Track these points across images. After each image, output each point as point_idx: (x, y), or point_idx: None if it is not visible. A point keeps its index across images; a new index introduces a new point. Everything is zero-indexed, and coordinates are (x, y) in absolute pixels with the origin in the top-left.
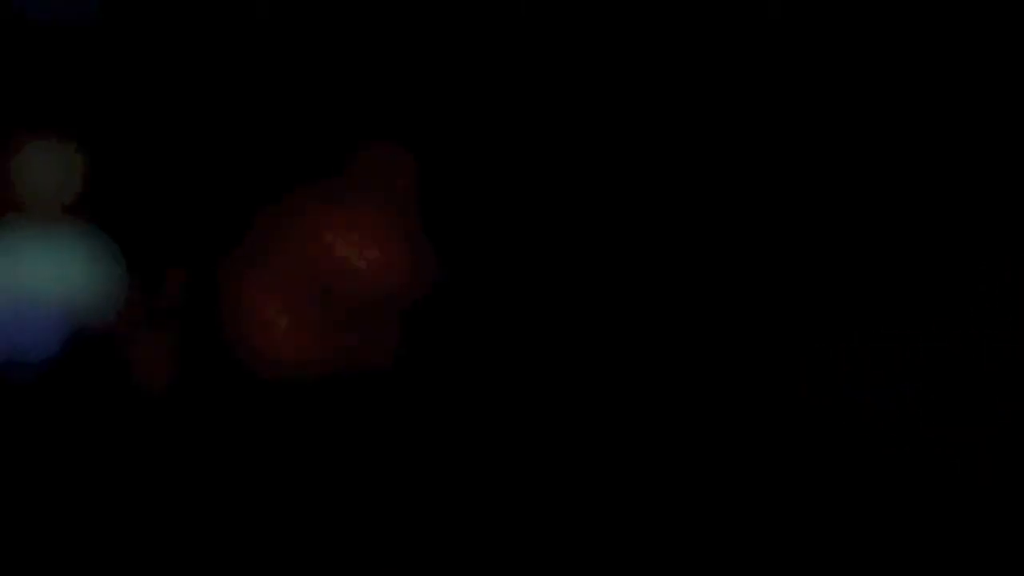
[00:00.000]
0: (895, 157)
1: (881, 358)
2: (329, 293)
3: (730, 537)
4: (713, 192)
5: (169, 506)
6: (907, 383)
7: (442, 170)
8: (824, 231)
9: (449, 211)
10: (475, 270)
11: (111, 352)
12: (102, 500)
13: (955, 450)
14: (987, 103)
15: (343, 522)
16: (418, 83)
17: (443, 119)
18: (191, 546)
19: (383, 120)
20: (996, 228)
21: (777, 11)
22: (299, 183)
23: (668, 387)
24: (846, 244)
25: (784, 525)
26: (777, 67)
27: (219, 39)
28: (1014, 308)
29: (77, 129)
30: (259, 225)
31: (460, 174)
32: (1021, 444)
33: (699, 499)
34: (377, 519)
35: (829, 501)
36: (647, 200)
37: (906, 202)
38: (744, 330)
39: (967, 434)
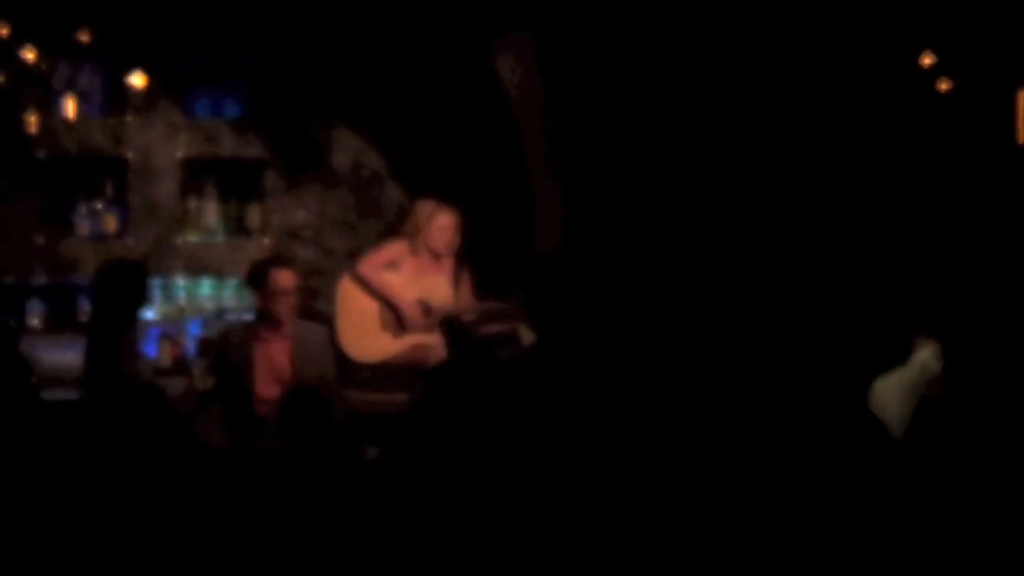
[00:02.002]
0: (895, 159)
1: (881, 358)
2: (401, 311)
3: (730, 536)
4: (715, 193)
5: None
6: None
7: (482, 230)
8: (825, 232)
9: (487, 258)
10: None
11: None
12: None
13: (954, 450)
14: (986, 104)
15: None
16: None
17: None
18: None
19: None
20: (996, 229)
21: (777, 11)
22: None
23: (669, 387)
24: (847, 245)
25: (784, 524)
26: (778, 68)
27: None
28: (1014, 308)
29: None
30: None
31: (495, 234)
32: (1021, 444)
33: (700, 498)
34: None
35: (829, 500)
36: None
37: (906, 204)
38: (744, 330)
39: (966, 433)
